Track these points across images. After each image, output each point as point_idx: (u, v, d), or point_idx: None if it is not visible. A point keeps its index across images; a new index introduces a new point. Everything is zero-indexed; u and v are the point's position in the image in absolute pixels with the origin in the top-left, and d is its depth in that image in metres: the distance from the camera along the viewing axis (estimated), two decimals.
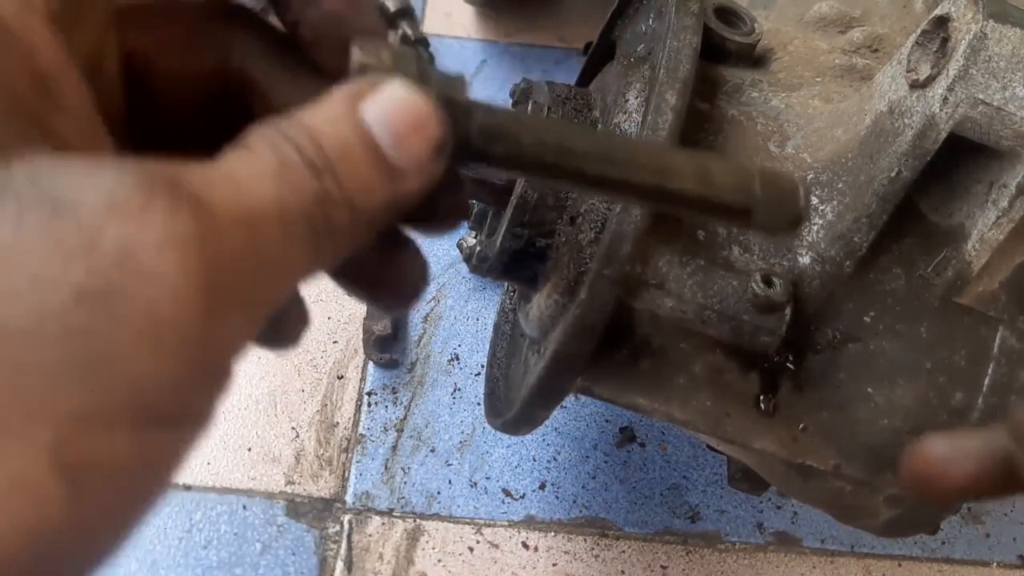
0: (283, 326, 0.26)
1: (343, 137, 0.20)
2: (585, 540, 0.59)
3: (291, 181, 0.19)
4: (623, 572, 0.58)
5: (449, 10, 0.85)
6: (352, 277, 0.25)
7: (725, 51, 0.46)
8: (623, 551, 0.59)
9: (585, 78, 0.54)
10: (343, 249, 0.21)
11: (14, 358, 0.16)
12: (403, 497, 0.60)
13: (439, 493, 0.60)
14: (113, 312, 0.16)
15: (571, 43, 0.84)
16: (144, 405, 0.17)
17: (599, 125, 0.44)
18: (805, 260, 0.40)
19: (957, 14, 0.37)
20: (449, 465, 0.62)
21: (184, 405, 0.18)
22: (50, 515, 0.16)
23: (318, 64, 0.25)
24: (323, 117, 0.20)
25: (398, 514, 0.59)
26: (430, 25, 0.84)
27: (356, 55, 0.21)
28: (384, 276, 0.25)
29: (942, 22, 0.38)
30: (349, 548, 0.58)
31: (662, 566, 0.59)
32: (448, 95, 0.22)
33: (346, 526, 0.59)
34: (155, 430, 0.17)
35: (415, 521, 0.59)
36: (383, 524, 0.59)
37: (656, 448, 0.64)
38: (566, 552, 0.59)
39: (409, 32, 0.80)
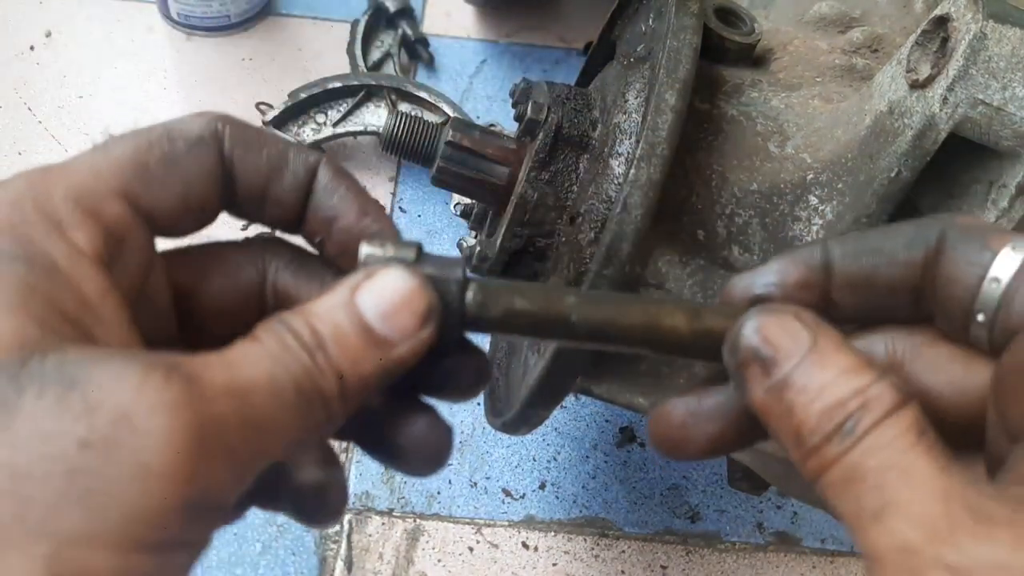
0: (322, 503, 0.30)
1: (336, 319, 0.24)
2: (585, 540, 0.59)
3: (284, 359, 0.23)
4: (623, 572, 0.58)
5: (449, 10, 0.85)
6: (372, 444, 0.30)
7: (725, 51, 0.46)
8: (623, 551, 0.59)
9: (585, 78, 0.54)
10: (338, 413, 0.25)
11: (22, 491, 0.20)
12: (403, 497, 0.60)
13: (439, 493, 0.60)
14: (108, 458, 0.21)
15: (571, 43, 0.84)
16: (130, 531, 0.21)
17: (599, 125, 0.44)
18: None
19: (957, 14, 0.37)
20: (449, 465, 0.62)
21: (170, 534, 0.21)
22: None
23: (343, 270, 0.29)
24: (323, 305, 0.25)
25: (398, 514, 0.59)
26: (430, 25, 0.84)
27: (363, 248, 0.26)
28: (403, 442, 0.29)
29: (942, 22, 0.38)
30: (349, 548, 0.58)
31: (662, 566, 0.59)
32: (443, 274, 0.26)
33: (346, 526, 0.59)
34: (142, 552, 0.21)
35: (415, 521, 0.59)
36: (383, 524, 0.59)
37: None
38: (566, 552, 0.59)
39: (409, 32, 0.80)
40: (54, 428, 0.21)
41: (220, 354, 0.23)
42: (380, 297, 0.25)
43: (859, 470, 0.23)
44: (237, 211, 0.29)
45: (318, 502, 0.29)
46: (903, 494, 0.22)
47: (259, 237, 0.31)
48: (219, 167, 0.27)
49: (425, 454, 0.29)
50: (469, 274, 0.27)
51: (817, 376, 0.24)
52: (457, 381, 0.29)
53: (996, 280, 0.25)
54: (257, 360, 0.23)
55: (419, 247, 0.27)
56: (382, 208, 0.29)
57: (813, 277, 0.27)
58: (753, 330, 0.25)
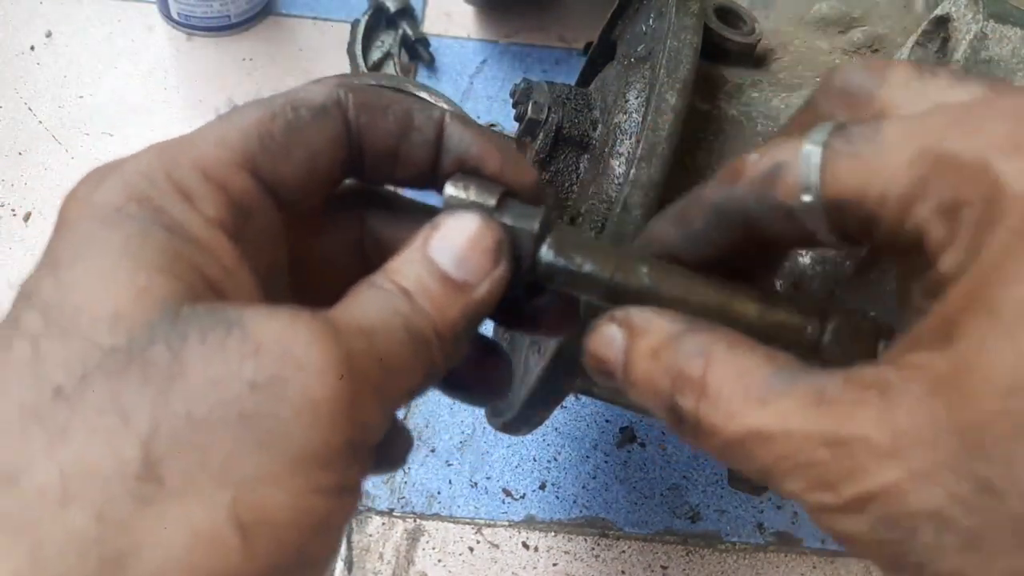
0: (393, 449, 0.32)
1: (415, 272, 0.25)
2: (585, 540, 0.59)
3: (387, 307, 0.25)
4: (623, 572, 0.58)
5: (449, 10, 0.85)
6: (454, 384, 0.32)
7: (725, 51, 0.46)
8: (623, 551, 0.59)
9: (585, 78, 0.54)
10: (439, 359, 0.26)
11: (202, 439, 0.20)
12: (403, 497, 0.60)
13: (439, 493, 0.60)
14: (278, 397, 0.21)
15: (571, 43, 0.84)
16: (304, 472, 0.21)
17: (599, 125, 0.44)
18: (805, 260, 0.40)
19: (957, 14, 0.37)
20: (449, 465, 0.62)
21: (338, 475, 0.22)
22: (227, 559, 0.20)
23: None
24: (401, 261, 0.26)
25: (398, 514, 0.59)
26: (430, 25, 0.84)
27: (447, 188, 0.27)
28: (478, 379, 0.32)
29: (942, 22, 0.38)
30: (349, 548, 0.58)
31: (662, 566, 0.59)
32: (519, 224, 0.26)
33: (346, 526, 0.59)
34: (315, 494, 0.21)
35: (415, 521, 0.59)
36: (383, 524, 0.59)
37: (656, 448, 0.64)
38: (566, 552, 0.59)
39: (409, 32, 0.80)
40: (223, 372, 0.21)
41: (335, 307, 0.24)
42: (451, 243, 0.26)
43: (727, 449, 0.24)
44: (364, 176, 0.29)
45: (385, 451, 0.30)
46: (768, 457, 0.22)
47: (352, 189, 0.31)
48: (345, 135, 0.27)
49: (495, 386, 0.32)
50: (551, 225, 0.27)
51: (638, 369, 0.25)
52: (551, 318, 0.30)
53: (807, 191, 0.24)
54: (367, 309, 0.24)
55: (504, 192, 0.27)
56: (520, 154, 0.30)
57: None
58: (585, 353, 0.27)
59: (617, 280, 0.26)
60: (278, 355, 0.21)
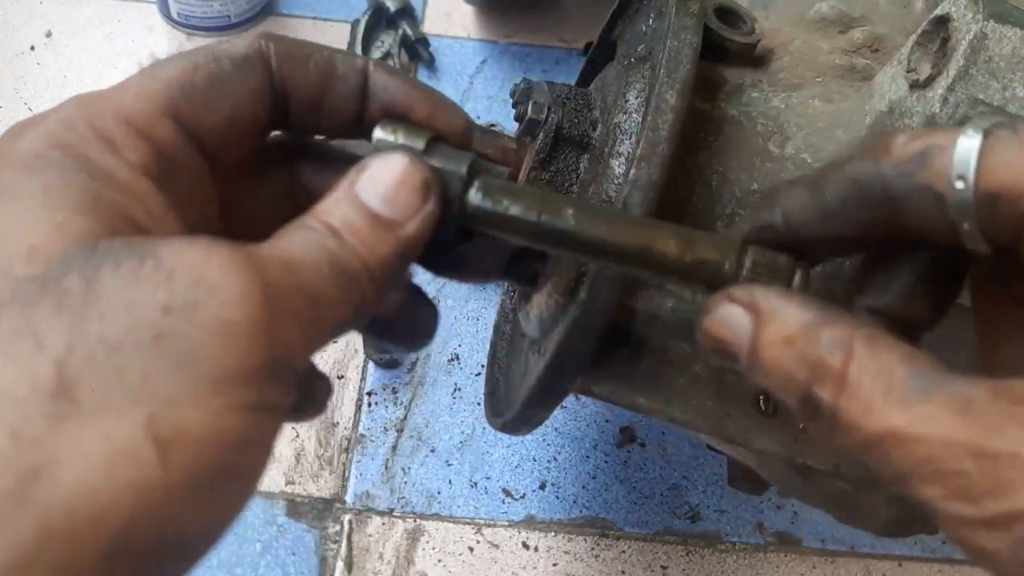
0: (314, 393, 0.33)
1: (342, 211, 0.26)
2: (585, 540, 0.59)
3: (312, 244, 0.25)
4: (623, 572, 0.58)
5: (449, 10, 0.85)
6: (381, 329, 0.32)
7: (725, 51, 0.46)
8: (623, 551, 0.59)
9: (585, 78, 0.54)
10: (371, 295, 0.26)
11: (116, 360, 0.21)
12: (403, 497, 0.60)
13: (439, 493, 0.60)
14: (192, 319, 0.21)
15: (571, 43, 0.84)
16: (221, 390, 0.21)
17: (599, 125, 0.44)
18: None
19: (957, 14, 0.37)
20: (449, 465, 0.62)
21: (258, 393, 0.22)
22: (145, 473, 0.20)
23: None
24: (329, 202, 0.26)
25: (398, 514, 0.59)
26: (430, 25, 0.84)
27: (376, 132, 0.27)
28: (406, 324, 0.32)
29: (942, 22, 0.38)
30: (349, 548, 0.58)
31: (662, 566, 0.59)
32: (448, 167, 0.26)
33: (346, 526, 0.59)
34: (232, 412, 0.22)
35: (415, 521, 0.59)
36: (383, 524, 0.59)
37: (656, 448, 0.64)
38: (566, 552, 0.59)
39: (409, 32, 0.80)
40: (136, 297, 0.21)
41: (262, 244, 0.24)
42: (377, 182, 0.26)
43: (864, 448, 0.23)
44: (291, 126, 0.29)
45: (306, 392, 0.30)
46: (908, 461, 0.22)
47: (281, 140, 0.31)
48: (268, 85, 0.27)
49: (421, 332, 0.33)
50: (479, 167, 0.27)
51: (767, 355, 0.24)
52: (476, 264, 0.30)
53: (960, 178, 0.23)
54: (292, 244, 0.25)
55: (431, 136, 0.27)
56: (449, 100, 0.30)
57: (776, 240, 0.27)
58: (703, 333, 0.26)
59: (543, 221, 0.27)
60: (192, 280, 0.22)
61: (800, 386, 0.24)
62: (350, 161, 0.30)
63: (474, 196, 0.27)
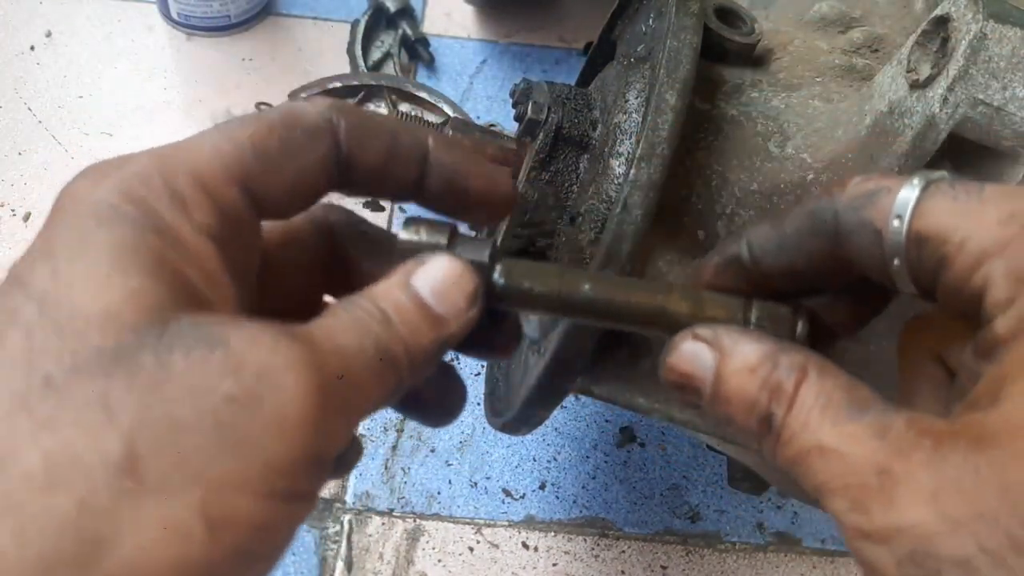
0: (346, 457, 0.34)
1: (397, 298, 0.27)
2: (585, 540, 0.59)
3: (363, 329, 0.26)
4: (623, 572, 0.58)
5: (449, 10, 0.85)
6: (412, 406, 0.34)
7: (725, 51, 0.46)
8: (623, 551, 0.59)
9: (585, 78, 0.54)
10: (407, 380, 0.27)
11: (179, 442, 0.22)
12: (403, 497, 0.60)
13: (439, 493, 0.60)
14: (253, 412, 0.23)
15: (571, 43, 0.84)
16: (270, 479, 0.23)
17: (599, 125, 0.44)
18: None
19: (957, 14, 0.37)
20: (449, 465, 0.62)
21: (299, 484, 0.24)
22: (193, 550, 0.22)
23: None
24: (384, 287, 0.28)
25: (398, 514, 0.59)
26: (430, 25, 0.84)
27: (400, 234, 0.29)
28: (434, 400, 0.34)
29: (942, 22, 0.38)
30: (349, 548, 0.58)
31: (662, 566, 0.59)
32: (474, 256, 0.29)
33: (346, 526, 0.59)
34: (278, 500, 0.23)
35: (415, 521, 0.59)
36: (383, 524, 0.59)
37: (656, 448, 0.64)
38: (566, 552, 0.59)
39: (409, 32, 0.80)
40: (204, 384, 0.23)
41: (315, 323, 0.26)
42: (434, 279, 0.28)
43: (795, 459, 0.25)
44: (353, 191, 0.30)
45: (340, 459, 0.31)
46: (825, 473, 0.24)
47: (324, 206, 0.33)
48: (335, 155, 0.28)
49: (451, 408, 0.34)
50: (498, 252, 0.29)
51: (732, 384, 0.27)
52: (493, 342, 0.32)
53: (898, 218, 0.25)
54: (345, 329, 0.26)
55: (452, 229, 0.29)
56: (499, 168, 0.32)
57: (742, 271, 0.30)
58: (667, 369, 0.28)
59: (563, 295, 0.29)
60: (257, 375, 0.23)
61: (762, 409, 0.26)
62: (387, 237, 0.33)
63: (498, 280, 0.29)
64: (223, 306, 0.26)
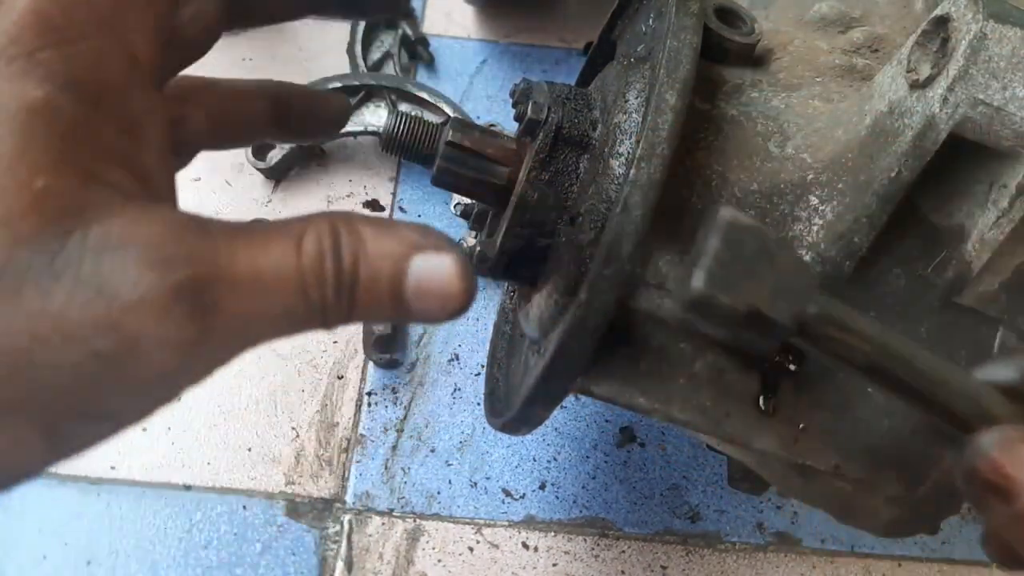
0: None
1: (381, 269, 0.25)
2: (585, 540, 0.59)
3: (306, 285, 0.25)
4: (623, 572, 0.58)
5: (449, 10, 0.85)
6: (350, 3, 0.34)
7: (725, 51, 0.46)
8: (623, 551, 0.59)
9: (585, 78, 0.54)
10: (333, 326, 0.26)
11: (27, 376, 0.23)
12: (403, 497, 0.60)
13: (439, 493, 0.60)
14: (117, 370, 0.23)
15: (571, 43, 0.84)
16: (114, 414, 0.25)
17: (599, 125, 0.44)
18: (805, 259, 0.40)
19: (957, 14, 0.37)
20: (449, 465, 0.62)
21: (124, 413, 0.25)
22: (33, 463, 0.25)
23: None
24: (381, 248, 0.26)
25: (398, 514, 0.59)
26: (430, 25, 0.84)
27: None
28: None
29: (942, 22, 0.38)
30: (349, 548, 0.58)
31: (662, 566, 0.59)
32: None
33: (346, 526, 0.59)
34: (115, 422, 0.25)
35: (415, 521, 0.59)
36: (383, 524, 0.59)
37: (656, 448, 0.64)
38: (566, 552, 0.59)
39: (409, 32, 0.80)
40: (78, 333, 0.23)
41: (253, 248, 0.25)
42: (429, 276, 0.26)
43: None
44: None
45: None
46: None
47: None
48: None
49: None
50: None
51: None
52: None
53: None
54: (280, 279, 0.25)
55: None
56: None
57: None
58: (988, 464, 0.26)
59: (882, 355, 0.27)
60: (128, 342, 0.23)
61: None
62: None
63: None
64: (153, 149, 0.25)
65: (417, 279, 0.26)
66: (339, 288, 0.25)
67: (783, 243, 0.27)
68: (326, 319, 0.26)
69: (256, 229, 0.25)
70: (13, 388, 0.22)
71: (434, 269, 0.26)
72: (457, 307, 0.26)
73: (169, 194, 0.27)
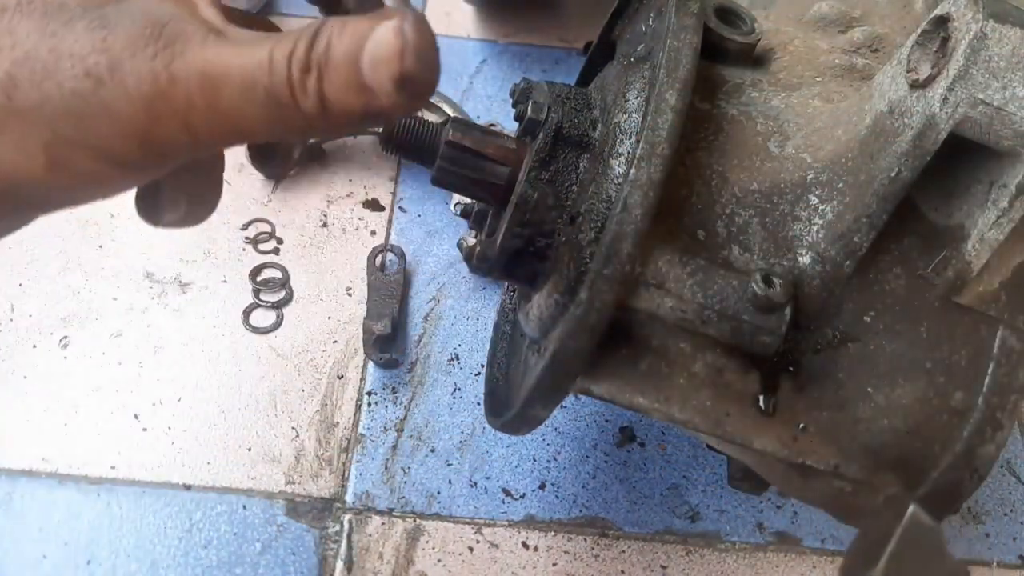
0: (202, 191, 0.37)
1: (344, 47, 0.28)
2: (585, 540, 0.59)
3: (256, 69, 0.28)
4: (623, 572, 0.58)
5: (449, 10, 0.85)
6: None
7: (725, 51, 0.46)
8: (623, 551, 0.59)
9: (585, 78, 0.54)
10: (317, 127, 0.29)
11: (42, 88, 0.28)
12: (403, 497, 0.60)
13: (439, 493, 0.60)
14: (99, 90, 0.28)
15: (571, 43, 0.84)
16: (102, 148, 0.29)
17: (599, 125, 0.44)
18: (805, 260, 0.40)
19: (957, 14, 0.37)
20: (449, 465, 0.62)
21: (128, 157, 0.29)
22: (33, 171, 0.29)
23: None
24: (355, 27, 0.28)
25: (398, 514, 0.59)
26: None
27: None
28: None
29: (942, 22, 0.38)
30: (349, 548, 0.58)
31: (662, 566, 0.59)
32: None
33: (346, 526, 0.59)
34: (103, 163, 0.29)
35: (415, 521, 0.59)
36: (383, 524, 0.59)
37: (656, 448, 0.64)
38: (566, 552, 0.59)
39: None
40: (78, 51, 0.28)
41: (231, 39, 0.29)
42: (377, 40, 0.28)
43: None
44: None
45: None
46: None
47: None
48: None
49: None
50: None
51: None
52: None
53: None
54: (246, 60, 0.28)
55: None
56: None
57: None
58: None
59: None
60: (111, 65, 0.28)
61: None
62: None
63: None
64: None
65: (371, 49, 0.27)
66: (306, 67, 0.27)
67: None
68: (294, 100, 0.28)
69: (246, 37, 0.29)
70: (24, 95, 0.28)
71: (382, 31, 0.28)
72: (407, 71, 0.27)
73: None
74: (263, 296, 0.68)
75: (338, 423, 0.63)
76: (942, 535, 0.27)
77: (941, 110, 0.37)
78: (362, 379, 0.65)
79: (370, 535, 0.58)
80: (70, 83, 0.28)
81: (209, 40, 0.28)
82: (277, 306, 0.68)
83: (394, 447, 0.62)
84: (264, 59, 0.28)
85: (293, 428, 0.62)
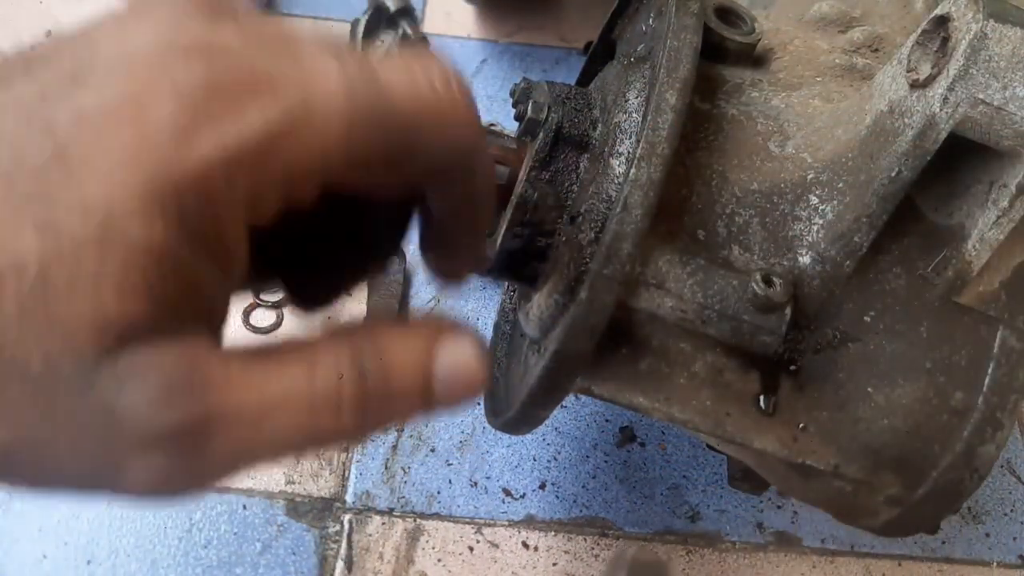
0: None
1: (408, 375, 0.26)
2: (585, 540, 0.59)
3: (317, 411, 0.24)
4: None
5: (449, 10, 0.85)
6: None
7: (725, 51, 0.46)
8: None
9: (585, 78, 0.54)
10: (348, 437, 0.26)
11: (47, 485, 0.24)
12: (403, 497, 0.60)
13: (439, 493, 0.60)
14: (100, 484, 0.24)
15: (571, 43, 0.84)
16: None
17: (599, 125, 0.44)
18: (805, 260, 0.40)
19: (957, 14, 0.37)
20: (449, 465, 0.62)
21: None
22: None
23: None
24: (403, 353, 0.26)
25: (398, 514, 0.59)
26: (430, 25, 0.84)
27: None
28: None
29: (942, 22, 0.38)
30: (349, 548, 0.58)
31: None
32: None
33: (346, 526, 0.59)
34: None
35: (415, 521, 0.59)
36: (383, 524, 0.59)
37: (656, 448, 0.64)
38: (566, 552, 0.59)
39: (409, 32, 0.80)
40: (87, 436, 0.23)
41: (266, 373, 0.24)
42: (455, 367, 0.26)
43: None
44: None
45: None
46: None
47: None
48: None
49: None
50: None
51: None
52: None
53: None
54: (288, 410, 0.24)
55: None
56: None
57: None
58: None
59: None
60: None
61: None
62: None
63: None
64: (233, 264, 0.25)
65: (444, 375, 0.26)
66: (362, 409, 0.25)
67: None
68: (338, 441, 0.26)
69: (271, 353, 0.25)
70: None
71: (459, 357, 0.26)
72: (480, 388, 0.27)
73: (223, 316, 0.27)
74: (263, 296, 0.68)
75: None
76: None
77: (941, 110, 0.37)
78: None
79: (370, 535, 0.58)
80: (70, 477, 0.24)
81: (242, 416, 0.24)
82: (277, 306, 0.68)
83: (394, 447, 0.62)
84: (303, 412, 0.24)
85: None
